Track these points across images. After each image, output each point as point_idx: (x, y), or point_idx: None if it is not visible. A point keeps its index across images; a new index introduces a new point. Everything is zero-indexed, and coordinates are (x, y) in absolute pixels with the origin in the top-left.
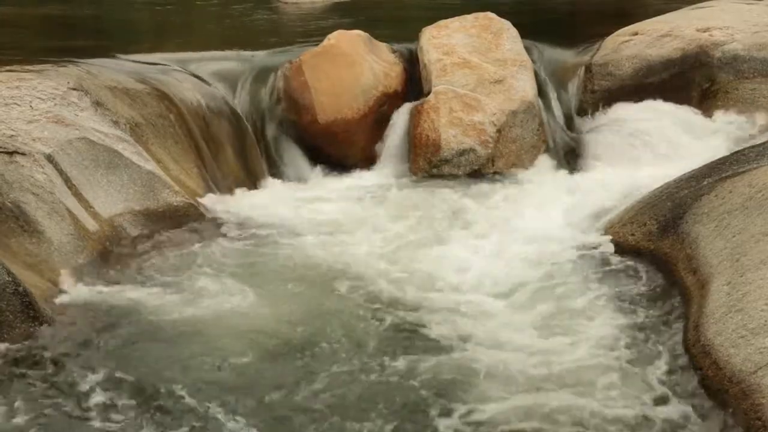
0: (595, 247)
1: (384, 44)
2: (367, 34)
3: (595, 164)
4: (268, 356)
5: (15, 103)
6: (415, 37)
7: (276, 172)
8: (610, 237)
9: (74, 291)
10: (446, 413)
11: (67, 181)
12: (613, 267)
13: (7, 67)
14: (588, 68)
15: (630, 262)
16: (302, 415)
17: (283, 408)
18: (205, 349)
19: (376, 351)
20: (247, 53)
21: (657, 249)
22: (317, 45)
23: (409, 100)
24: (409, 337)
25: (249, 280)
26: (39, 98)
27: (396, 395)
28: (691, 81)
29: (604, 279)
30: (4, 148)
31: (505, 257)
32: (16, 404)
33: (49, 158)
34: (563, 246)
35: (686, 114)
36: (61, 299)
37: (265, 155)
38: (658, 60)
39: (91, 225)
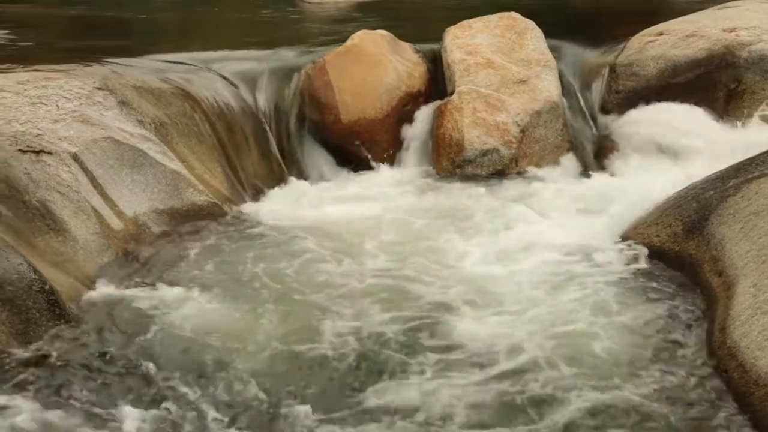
0: (619, 248)
1: (407, 44)
2: (390, 34)
3: (619, 165)
4: (289, 359)
5: (42, 103)
6: (438, 37)
7: (299, 171)
8: (635, 238)
9: (99, 289)
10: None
11: (93, 180)
12: (637, 268)
13: (34, 67)
14: (612, 68)
15: (655, 264)
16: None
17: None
18: (227, 351)
19: (392, 352)
20: (271, 53)
21: (682, 250)
22: (341, 45)
23: (433, 100)
24: (428, 341)
25: (271, 280)
26: (65, 98)
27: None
28: (717, 81)
29: (629, 280)
30: (31, 147)
31: (527, 257)
32: (42, 402)
33: (75, 157)
34: (587, 247)
35: (711, 114)
36: (86, 298)
37: (287, 155)
38: (683, 60)
39: (116, 224)
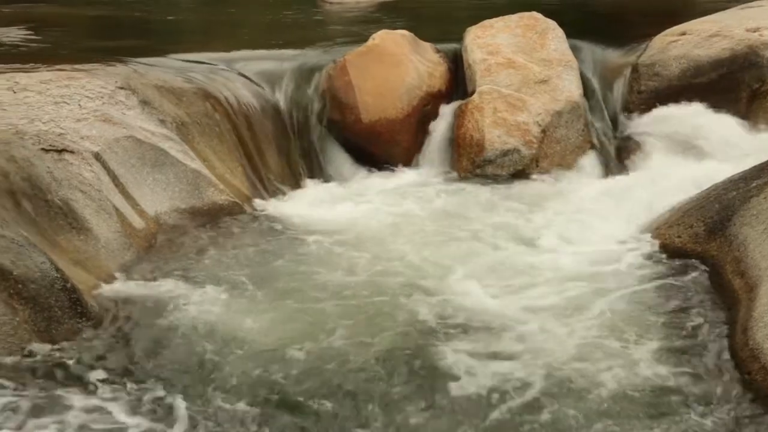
0: (640, 249)
1: (428, 44)
2: (411, 33)
3: (641, 165)
4: (303, 358)
5: (64, 102)
6: (459, 36)
7: (319, 171)
8: (656, 239)
9: (120, 288)
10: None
11: (115, 179)
12: (658, 269)
13: (57, 66)
14: (635, 68)
15: (676, 264)
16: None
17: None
18: (249, 350)
19: (409, 353)
20: (292, 52)
21: (704, 251)
22: (361, 44)
23: (453, 100)
24: (448, 344)
25: (292, 280)
26: (87, 97)
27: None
28: (741, 81)
29: (650, 281)
30: (54, 146)
31: (547, 259)
32: (64, 400)
33: (97, 156)
34: (608, 247)
35: (734, 114)
36: (107, 296)
37: (308, 154)
38: (706, 60)
39: (138, 222)
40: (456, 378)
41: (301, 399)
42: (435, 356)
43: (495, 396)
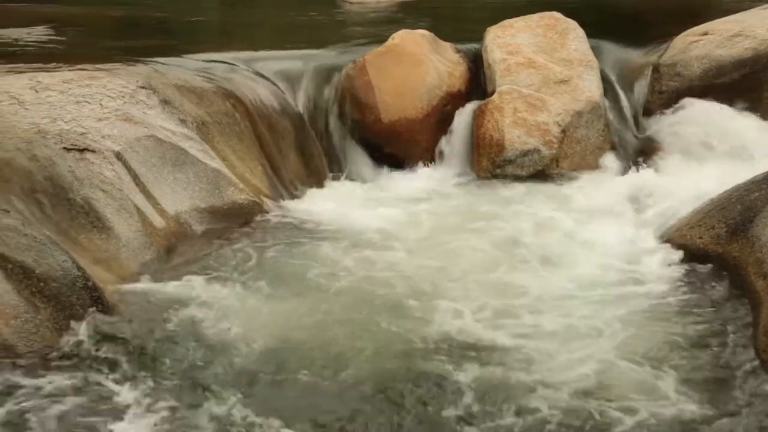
0: (661, 251)
1: (448, 44)
2: (431, 33)
3: (661, 166)
4: (331, 357)
5: (86, 101)
6: (479, 36)
7: (338, 171)
8: (677, 240)
9: (141, 286)
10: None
11: (135, 178)
12: (679, 271)
13: (79, 66)
14: (656, 68)
15: (697, 266)
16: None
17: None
18: (268, 349)
19: (411, 372)
20: (311, 52)
21: (726, 253)
22: (381, 44)
23: (473, 100)
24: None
25: (311, 279)
26: (109, 96)
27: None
28: (763, 81)
29: (671, 282)
30: (75, 145)
31: (568, 260)
32: (84, 397)
33: (118, 155)
34: (629, 248)
35: (757, 115)
36: (128, 294)
37: (327, 154)
38: (728, 60)
39: (158, 222)
40: (466, 407)
41: (314, 404)
42: (439, 380)
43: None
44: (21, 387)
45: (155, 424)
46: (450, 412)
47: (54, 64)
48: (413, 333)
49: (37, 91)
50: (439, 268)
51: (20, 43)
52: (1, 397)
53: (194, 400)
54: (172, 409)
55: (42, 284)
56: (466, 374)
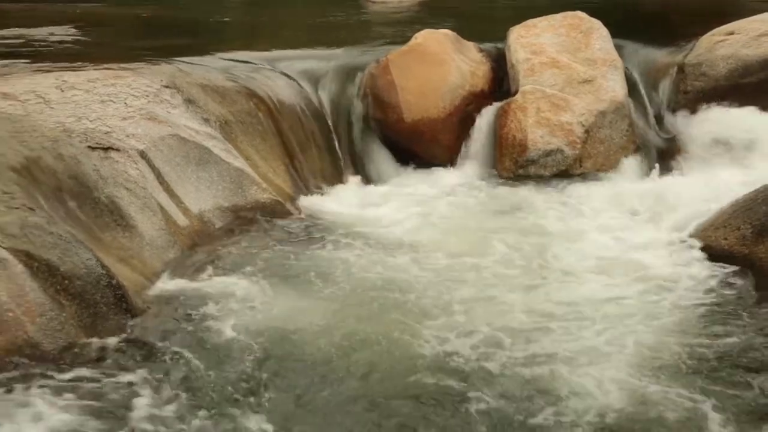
0: (685, 252)
1: (471, 43)
2: (454, 33)
3: (686, 166)
4: (354, 354)
5: (111, 100)
6: (502, 36)
7: (361, 170)
8: (701, 241)
9: (164, 284)
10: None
11: (159, 176)
12: (704, 271)
13: (104, 65)
14: (681, 68)
15: (722, 267)
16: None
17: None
18: (293, 347)
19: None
20: (334, 52)
21: (751, 254)
22: (404, 44)
23: (496, 100)
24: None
25: (333, 278)
26: (133, 95)
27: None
28: None
29: (696, 283)
30: (100, 144)
31: (592, 261)
32: (109, 395)
33: (142, 154)
34: (653, 249)
35: None
36: (151, 292)
37: (350, 153)
38: (754, 60)
39: (181, 220)
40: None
41: (339, 400)
42: (460, 390)
43: None
44: (45, 383)
45: (174, 422)
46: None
47: (80, 63)
48: (425, 343)
49: (62, 90)
50: (461, 269)
51: (47, 42)
52: (26, 393)
53: (216, 396)
54: (195, 407)
55: (67, 282)
56: (487, 390)
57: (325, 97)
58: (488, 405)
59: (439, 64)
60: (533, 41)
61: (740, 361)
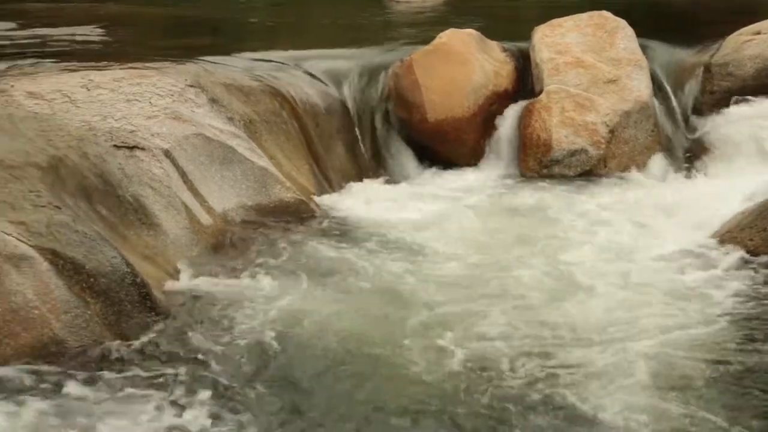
0: (710, 253)
1: (495, 43)
2: (478, 32)
3: (712, 166)
4: (367, 359)
5: (136, 100)
6: (526, 35)
7: (385, 170)
8: (728, 241)
9: (188, 283)
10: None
11: (183, 175)
12: (730, 272)
13: (130, 65)
14: (707, 68)
15: (749, 268)
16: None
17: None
18: (316, 347)
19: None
20: (358, 51)
21: None
22: (428, 43)
23: (520, 100)
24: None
25: (355, 279)
26: (158, 95)
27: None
28: None
29: (721, 284)
30: (125, 142)
31: (618, 262)
32: (134, 393)
33: (167, 153)
34: (679, 250)
35: None
36: (175, 291)
37: (374, 153)
38: None
39: (205, 219)
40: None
41: (367, 399)
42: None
43: None
44: (70, 381)
45: (197, 422)
46: None
47: (105, 62)
48: (447, 348)
49: (88, 90)
50: (483, 270)
51: (73, 41)
52: (51, 390)
53: (240, 396)
54: (221, 406)
55: (92, 280)
56: (510, 405)
57: (348, 96)
58: (508, 420)
59: (463, 64)
60: (558, 41)
61: (752, 347)
